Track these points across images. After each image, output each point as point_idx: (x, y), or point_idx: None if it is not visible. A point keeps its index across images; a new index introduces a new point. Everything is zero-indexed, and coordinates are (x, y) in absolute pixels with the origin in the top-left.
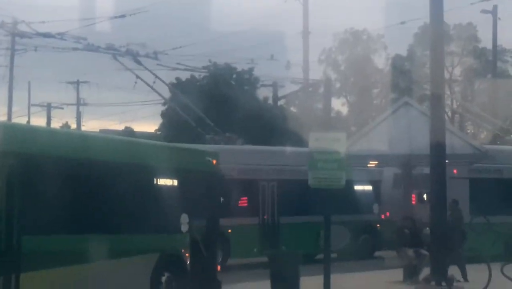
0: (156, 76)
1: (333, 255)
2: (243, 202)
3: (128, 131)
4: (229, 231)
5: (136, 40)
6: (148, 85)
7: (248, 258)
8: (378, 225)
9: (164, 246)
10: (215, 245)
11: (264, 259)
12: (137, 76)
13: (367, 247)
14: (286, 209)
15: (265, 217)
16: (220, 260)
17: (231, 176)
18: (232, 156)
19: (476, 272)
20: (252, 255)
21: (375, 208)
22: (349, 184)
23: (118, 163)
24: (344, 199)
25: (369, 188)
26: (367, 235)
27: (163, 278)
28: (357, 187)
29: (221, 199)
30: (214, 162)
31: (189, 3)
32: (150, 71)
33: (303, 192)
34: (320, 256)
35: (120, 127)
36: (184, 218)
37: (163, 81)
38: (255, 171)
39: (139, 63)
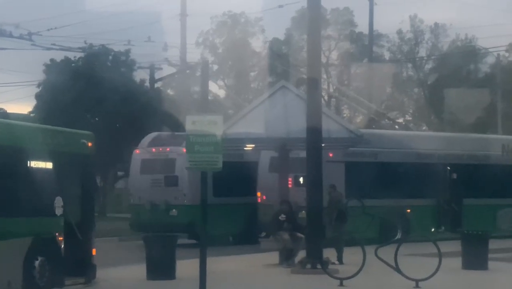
0: None
1: None
2: None
3: (1, 113)
4: None
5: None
6: None
7: None
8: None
9: (37, 229)
10: (90, 228)
11: None
12: None
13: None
14: None
15: None
16: None
17: None
18: None
19: (351, 255)
20: None
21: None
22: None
23: None
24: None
25: (245, 171)
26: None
27: (37, 262)
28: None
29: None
30: (90, 144)
31: None
32: None
33: None
34: None
35: None
36: (58, 201)
37: None
38: None
39: None
